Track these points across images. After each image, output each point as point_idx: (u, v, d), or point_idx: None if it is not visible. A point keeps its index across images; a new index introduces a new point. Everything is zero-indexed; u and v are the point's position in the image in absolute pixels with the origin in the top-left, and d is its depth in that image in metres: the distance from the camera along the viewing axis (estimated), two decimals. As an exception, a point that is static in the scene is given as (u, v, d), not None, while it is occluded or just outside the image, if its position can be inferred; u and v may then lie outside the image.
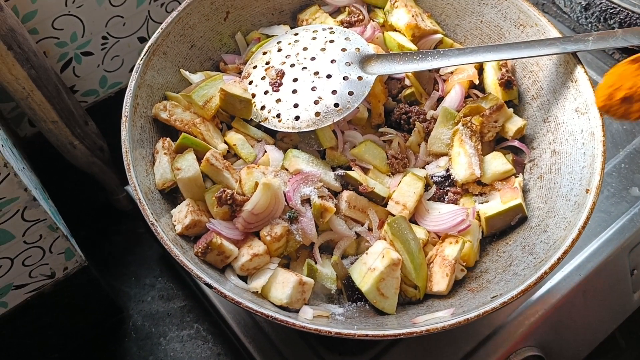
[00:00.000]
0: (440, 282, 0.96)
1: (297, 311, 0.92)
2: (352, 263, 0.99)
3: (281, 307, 0.92)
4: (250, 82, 1.08)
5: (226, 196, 0.95)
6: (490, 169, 1.05)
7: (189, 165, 0.98)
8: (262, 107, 1.05)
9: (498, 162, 1.06)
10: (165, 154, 1.00)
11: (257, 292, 0.93)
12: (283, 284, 0.93)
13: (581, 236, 0.89)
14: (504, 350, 1.06)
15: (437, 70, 1.17)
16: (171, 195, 1.02)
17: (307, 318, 0.90)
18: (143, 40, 1.35)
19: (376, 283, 0.93)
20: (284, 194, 0.97)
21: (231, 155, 1.05)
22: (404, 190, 1.02)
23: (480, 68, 1.15)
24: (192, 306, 1.34)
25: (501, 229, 1.04)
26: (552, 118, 1.07)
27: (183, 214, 0.95)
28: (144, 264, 1.42)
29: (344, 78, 1.04)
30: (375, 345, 1.04)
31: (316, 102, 1.02)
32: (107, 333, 1.32)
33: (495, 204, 1.03)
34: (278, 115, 1.03)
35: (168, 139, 1.03)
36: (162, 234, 0.89)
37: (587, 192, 0.93)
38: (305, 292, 0.93)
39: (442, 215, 1.02)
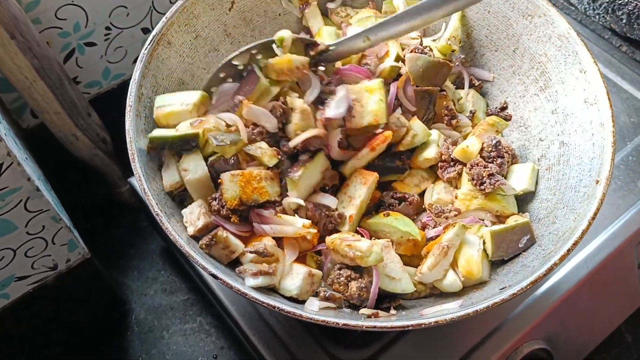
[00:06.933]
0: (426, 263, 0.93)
1: (303, 303, 0.91)
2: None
3: (291, 299, 0.91)
4: None
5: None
6: None
7: (196, 164, 0.95)
8: None
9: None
10: (172, 156, 0.97)
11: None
12: (293, 275, 0.92)
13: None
14: (510, 344, 1.05)
15: None
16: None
17: (314, 309, 0.89)
18: (147, 31, 1.33)
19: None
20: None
21: None
22: None
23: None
24: (195, 299, 1.33)
25: (508, 251, 0.96)
26: (561, 109, 1.06)
27: (195, 216, 0.92)
28: (147, 257, 1.42)
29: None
30: (380, 337, 1.04)
31: None
32: (109, 326, 1.32)
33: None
34: None
35: None
36: (167, 224, 0.87)
37: (596, 183, 0.92)
38: (314, 283, 0.93)
39: None
